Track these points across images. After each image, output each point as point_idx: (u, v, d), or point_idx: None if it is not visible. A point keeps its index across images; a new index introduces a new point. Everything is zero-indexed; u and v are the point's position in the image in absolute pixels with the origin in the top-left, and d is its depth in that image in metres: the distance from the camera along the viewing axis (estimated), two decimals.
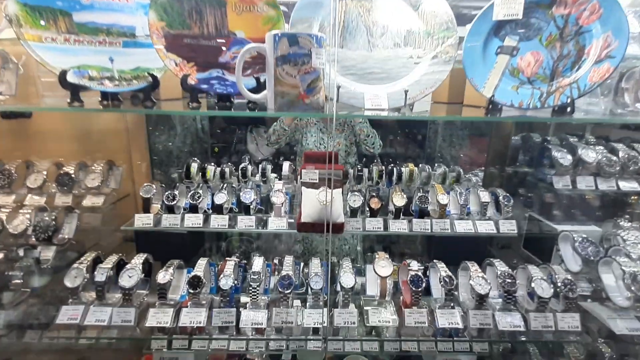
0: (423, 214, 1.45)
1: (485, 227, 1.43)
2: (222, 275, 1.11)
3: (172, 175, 2.29)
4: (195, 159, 1.82)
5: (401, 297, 1.23)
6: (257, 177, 1.85)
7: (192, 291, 1.09)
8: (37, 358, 1.35)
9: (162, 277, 1.09)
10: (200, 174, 1.76)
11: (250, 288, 1.12)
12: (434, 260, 1.25)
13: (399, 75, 1.17)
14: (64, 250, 1.44)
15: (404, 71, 1.17)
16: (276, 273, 1.87)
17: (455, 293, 1.17)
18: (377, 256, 1.18)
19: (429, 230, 1.43)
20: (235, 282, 1.11)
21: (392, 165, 1.80)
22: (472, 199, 1.55)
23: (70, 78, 0.98)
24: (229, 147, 3.48)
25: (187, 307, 1.13)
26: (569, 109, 1.06)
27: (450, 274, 1.14)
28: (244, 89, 1.00)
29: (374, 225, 1.44)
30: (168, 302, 1.14)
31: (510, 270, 1.15)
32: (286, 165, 1.82)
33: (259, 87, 1.11)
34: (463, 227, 1.43)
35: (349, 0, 1.18)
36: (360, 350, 1.26)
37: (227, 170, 1.79)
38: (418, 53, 1.18)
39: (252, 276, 1.12)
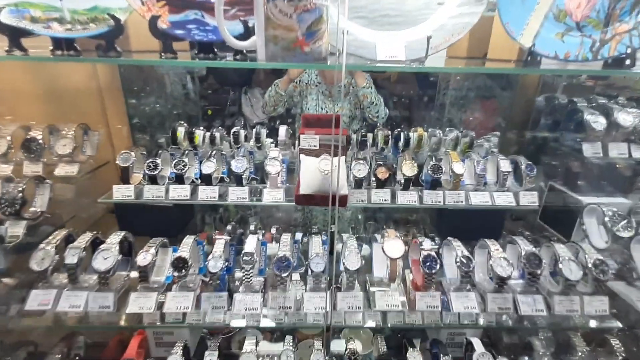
0: (435, 184, 1.30)
1: (503, 200, 1.29)
2: (210, 257, 0.98)
3: (158, 140, 2.10)
4: (182, 122, 1.63)
5: (409, 276, 1.11)
6: (251, 143, 1.67)
7: (176, 274, 0.96)
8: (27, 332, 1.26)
9: (142, 258, 0.96)
10: (188, 139, 1.58)
11: (243, 271, 0.99)
12: (449, 238, 1.12)
13: (419, 18, 0.96)
14: (36, 225, 1.30)
15: (426, 14, 0.96)
16: (274, 242, 1.76)
17: (471, 274, 1.05)
18: (386, 234, 1.04)
19: (442, 203, 1.29)
20: (227, 263, 0.98)
21: (399, 129, 1.62)
22: (489, 167, 1.39)
23: (6, 19, 0.77)
24: (222, 109, 3.25)
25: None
26: (627, 62, 0.87)
27: (467, 254, 1.01)
28: (227, 33, 0.79)
29: (381, 197, 1.29)
30: (151, 285, 1.01)
31: (535, 249, 1.02)
32: (283, 130, 1.64)
33: (248, 34, 0.90)
34: (479, 199, 1.29)
35: None
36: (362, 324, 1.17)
37: (217, 135, 1.61)
38: None
39: (244, 257, 0.99)
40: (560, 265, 1.00)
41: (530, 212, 1.64)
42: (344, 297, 1.01)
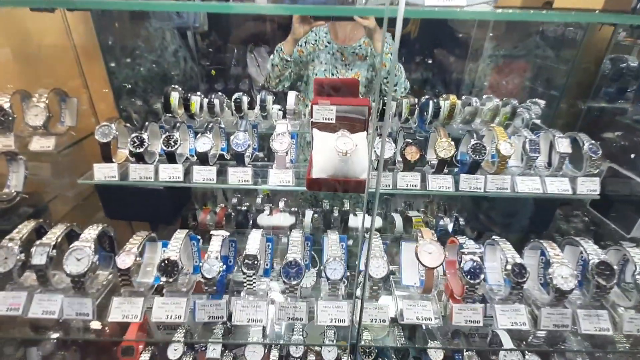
0: (475, 167, 1.08)
1: (557, 187, 1.07)
2: (206, 258, 0.81)
3: (154, 106, 1.88)
4: (176, 86, 1.40)
5: (443, 281, 0.93)
6: (256, 111, 1.44)
7: (164, 279, 0.80)
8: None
9: (122, 260, 0.79)
10: (184, 107, 1.36)
11: (245, 276, 0.82)
12: (495, 238, 0.92)
13: None
14: (12, 207, 1.14)
15: None
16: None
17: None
18: (420, 235, 0.85)
19: (482, 190, 1.08)
20: (223, 266, 0.81)
21: (427, 97, 1.36)
22: (541, 146, 1.15)
23: None
24: (225, 70, 2.96)
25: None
26: None
27: (520, 260, 0.82)
28: None
29: (409, 181, 1.09)
30: (137, 288, 0.86)
31: (606, 258, 0.82)
32: (292, 97, 1.40)
33: None
34: (528, 185, 1.07)
35: None
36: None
37: (216, 102, 1.38)
38: None
39: (246, 261, 0.82)
40: (637, 276, 0.80)
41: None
42: (365, 308, 0.84)
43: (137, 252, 0.81)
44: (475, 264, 0.80)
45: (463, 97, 1.41)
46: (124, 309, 0.82)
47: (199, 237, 0.94)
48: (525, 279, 0.79)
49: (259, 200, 1.75)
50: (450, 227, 1.53)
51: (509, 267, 0.81)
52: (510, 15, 0.90)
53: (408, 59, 2.66)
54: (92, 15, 1.39)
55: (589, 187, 1.07)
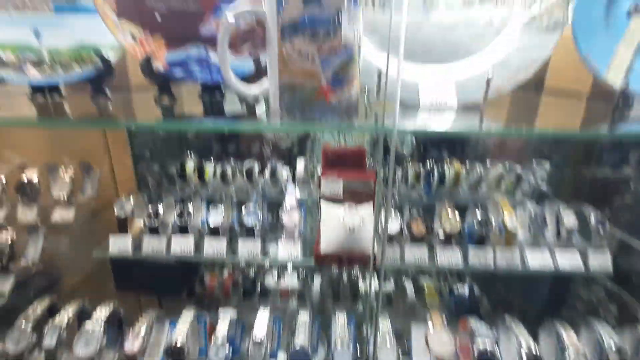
0: (483, 241, 1.08)
1: (569, 262, 1.06)
2: (212, 343, 0.80)
3: (169, 172, 1.97)
4: (192, 154, 1.50)
5: None
6: (266, 176, 1.51)
7: None
8: None
9: (130, 345, 0.79)
10: (198, 175, 1.44)
11: None
12: (507, 319, 0.89)
13: (473, 49, 0.77)
14: (27, 280, 1.16)
15: (481, 44, 0.76)
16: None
17: None
18: (430, 321, 0.83)
19: (492, 266, 1.07)
20: (231, 347, 0.80)
21: (431, 162, 1.41)
22: (547, 216, 1.16)
23: None
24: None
25: None
26: None
27: (536, 350, 0.78)
28: (232, 75, 0.63)
29: (417, 255, 1.09)
30: None
31: (622, 346, 0.78)
32: (301, 165, 1.47)
33: (259, 74, 0.73)
34: (538, 260, 1.06)
35: None
36: None
37: (228, 170, 1.46)
38: (501, 16, 0.76)
39: (253, 341, 0.80)
40: None
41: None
42: None
43: (145, 330, 0.81)
44: (489, 354, 0.77)
45: (467, 163, 1.45)
46: None
47: (206, 317, 0.94)
48: None
49: (267, 265, 1.75)
50: (465, 294, 1.49)
51: (524, 357, 0.78)
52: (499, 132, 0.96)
53: None
54: None
55: (601, 262, 1.05)
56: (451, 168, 1.37)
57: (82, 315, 0.91)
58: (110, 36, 0.73)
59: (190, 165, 1.46)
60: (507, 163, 1.43)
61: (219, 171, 1.47)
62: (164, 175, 1.89)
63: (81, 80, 0.75)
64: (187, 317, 0.86)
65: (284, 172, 1.51)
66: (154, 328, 0.90)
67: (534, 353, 0.77)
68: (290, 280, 1.67)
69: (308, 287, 1.63)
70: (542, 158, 1.76)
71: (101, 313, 0.85)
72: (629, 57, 0.73)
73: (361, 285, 1.58)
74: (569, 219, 1.05)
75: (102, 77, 0.74)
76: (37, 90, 0.75)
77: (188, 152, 1.53)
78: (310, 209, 1.72)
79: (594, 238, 1.06)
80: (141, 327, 0.82)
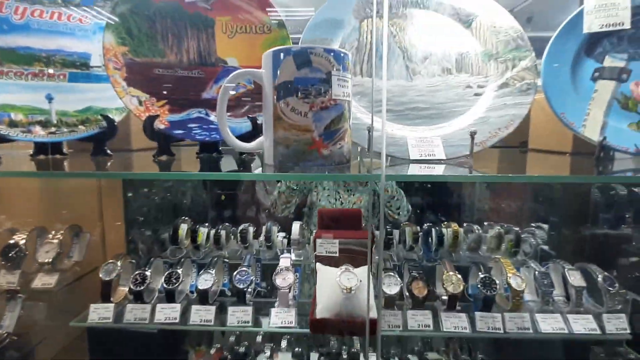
0: (490, 303, 1.02)
1: (583, 326, 0.98)
2: None
3: (161, 236, 1.93)
4: (186, 218, 1.48)
5: None
6: (261, 239, 1.47)
7: None
8: None
9: None
10: (191, 238, 1.41)
11: None
12: None
13: (455, 112, 0.82)
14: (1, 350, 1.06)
15: (462, 106, 0.82)
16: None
17: None
18: None
19: (502, 331, 0.99)
20: None
21: (429, 224, 1.40)
22: (552, 278, 1.11)
23: None
24: (235, 196, 3.16)
25: None
26: None
27: None
28: (229, 134, 0.66)
29: (420, 321, 1.01)
30: None
31: None
32: (296, 227, 1.44)
33: (256, 133, 0.77)
34: (551, 325, 0.99)
35: (377, 19, 0.87)
36: None
37: (223, 233, 1.43)
38: (478, 81, 0.83)
39: None
40: None
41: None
42: None
43: None
44: None
45: (465, 225, 1.44)
46: None
47: None
48: None
49: (259, 339, 1.61)
50: None
51: None
52: (487, 178, 1.00)
53: (408, 186, 2.85)
54: None
55: (617, 325, 0.98)
56: (449, 230, 1.36)
57: None
58: (117, 101, 0.78)
59: (184, 227, 1.43)
60: (505, 225, 1.42)
61: (212, 234, 1.44)
62: (156, 240, 1.85)
63: (84, 140, 0.78)
64: None
65: (279, 236, 1.48)
66: None
67: None
68: (285, 358, 1.51)
69: None
70: (538, 221, 1.77)
71: None
72: (601, 116, 0.79)
73: None
74: (576, 278, 1.01)
75: (105, 136, 0.78)
76: (40, 149, 0.78)
77: (182, 217, 1.51)
78: (306, 276, 1.65)
79: (605, 298, 1.00)
80: None
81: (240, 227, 1.46)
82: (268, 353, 1.51)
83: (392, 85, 0.85)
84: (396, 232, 1.45)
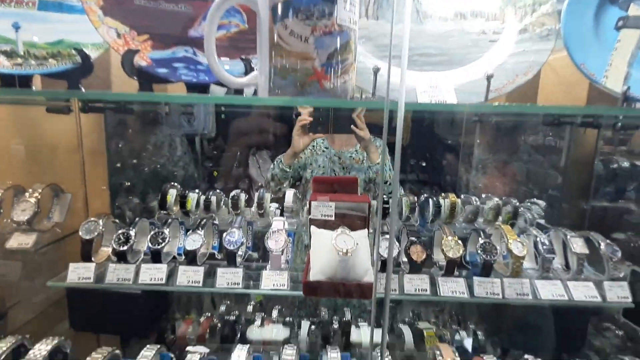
0: (487, 269, 0.99)
1: (584, 293, 0.96)
2: None
3: (150, 204, 1.86)
4: (175, 184, 1.41)
5: None
6: (253, 209, 1.41)
7: None
8: None
9: None
10: (180, 204, 1.34)
11: None
12: (527, 357, 0.77)
13: (468, 58, 0.75)
14: None
15: (476, 52, 0.76)
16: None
17: None
18: (439, 354, 0.71)
19: (500, 296, 0.96)
20: None
21: (426, 195, 1.36)
22: (554, 245, 1.08)
23: None
24: (228, 172, 3.09)
25: None
26: None
27: None
28: (218, 66, 0.58)
29: (417, 285, 0.98)
30: None
31: None
32: (290, 194, 1.38)
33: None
34: (550, 291, 0.96)
35: None
36: None
37: (213, 199, 1.36)
38: (494, 27, 0.76)
39: None
40: None
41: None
42: None
43: None
44: None
45: (462, 196, 1.40)
46: None
47: (172, 356, 0.78)
48: None
49: (249, 309, 1.57)
50: (468, 343, 1.34)
51: None
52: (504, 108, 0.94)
53: (403, 163, 2.80)
54: (105, 120, 1.48)
55: (619, 293, 0.96)
56: (446, 201, 1.32)
57: (21, 355, 0.75)
58: (94, 35, 0.70)
59: (173, 193, 1.36)
60: (503, 198, 1.39)
61: (202, 200, 1.37)
62: (143, 207, 1.78)
63: (56, 76, 0.70)
64: (148, 352, 0.71)
65: (272, 206, 1.42)
66: None
67: None
68: (276, 327, 1.49)
69: (295, 333, 1.45)
70: (540, 193, 1.74)
71: (41, 348, 0.69)
72: (624, 66, 0.73)
73: (354, 333, 1.42)
74: (578, 244, 0.98)
75: (79, 73, 0.69)
76: (6, 82, 0.69)
77: (171, 183, 1.43)
78: (299, 247, 1.61)
79: (607, 266, 0.98)
80: None
81: (232, 194, 1.39)
82: (259, 322, 1.48)
83: (399, 29, 0.77)
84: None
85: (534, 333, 1.19)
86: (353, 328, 1.40)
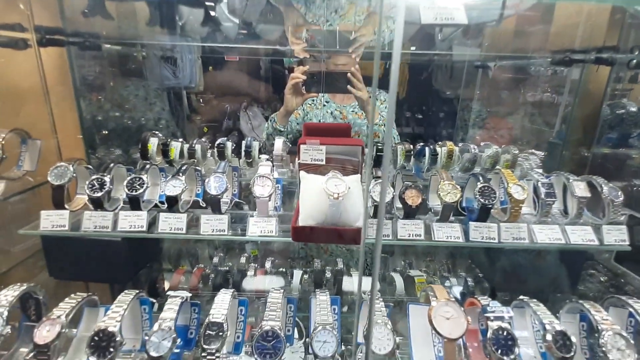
0: (485, 214, 0.95)
1: (581, 236, 0.93)
2: (155, 328, 0.61)
3: (133, 156, 1.77)
4: (156, 132, 1.31)
5: (465, 354, 0.73)
6: (242, 160, 1.34)
7: (94, 359, 0.59)
8: None
9: (42, 333, 0.59)
10: (162, 153, 1.26)
11: (204, 353, 0.62)
12: (523, 298, 0.75)
13: None
14: None
15: None
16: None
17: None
18: (432, 295, 0.68)
19: (496, 240, 0.93)
20: (179, 341, 0.62)
21: (422, 143, 1.29)
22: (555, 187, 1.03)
23: None
24: (217, 127, 2.96)
25: None
26: None
27: (562, 327, 0.64)
28: None
29: (411, 230, 0.94)
30: None
31: None
32: (279, 143, 1.30)
33: None
34: (547, 235, 0.93)
35: None
36: None
37: (198, 147, 1.28)
38: None
39: (207, 331, 0.62)
40: None
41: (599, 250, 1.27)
42: None
43: (65, 321, 0.62)
44: (505, 333, 0.62)
45: (460, 144, 1.34)
46: None
47: (153, 301, 0.75)
48: (572, 354, 0.61)
49: (243, 260, 1.56)
50: (458, 291, 1.35)
51: (548, 337, 0.63)
52: None
53: (398, 116, 2.70)
54: (73, 60, 1.34)
55: (617, 236, 0.93)
56: (443, 149, 1.25)
57: None
58: None
59: (154, 142, 1.27)
60: (502, 146, 1.33)
61: (186, 149, 1.28)
62: (124, 160, 1.69)
63: None
64: (125, 297, 0.67)
65: (262, 158, 1.34)
66: (85, 316, 0.70)
67: (559, 329, 0.62)
68: (269, 277, 1.48)
69: (288, 282, 1.44)
70: (541, 142, 1.68)
71: (7, 294, 0.64)
72: None
73: (346, 281, 1.41)
74: (580, 187, 0.93)
75: None
76: None
77: (152, 131, 1.33)
78: (287, 192, 1.55)
79: (607, 210, 0.94)
80: (62, 311, 0.63)
81: (218, 141, 1.31)
82: (252, 272, 1.47)
83: None
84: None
85: (522, 282, 1.19)
86: (345, 277, 1.40)
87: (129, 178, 0.93)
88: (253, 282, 1.43)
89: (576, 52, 0.90)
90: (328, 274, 1.40)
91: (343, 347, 0.68)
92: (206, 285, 1.42)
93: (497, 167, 1.06)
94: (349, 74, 1.34)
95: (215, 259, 1.54)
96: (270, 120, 1.56)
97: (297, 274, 1.41)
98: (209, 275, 1.44)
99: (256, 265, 1.51)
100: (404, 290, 1.37)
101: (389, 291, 1.42)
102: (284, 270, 1.54)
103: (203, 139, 1.33)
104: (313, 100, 1.60)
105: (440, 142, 1.28)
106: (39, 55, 1.05)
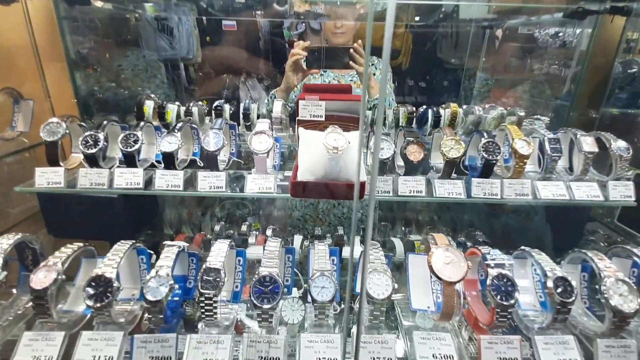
0: (489, 170, 0.92)
1: (586, 192, 0.91)
2: (153, 274, 0.61)
3: (130, 123, 1.74)
4: (151, 95, 1.29)
5: (464, 303, 0.73)
6: (241, 127, 1.31)
7: (91, 303, 0.59)
8: None
9: (39, 278, 0.59)
10: (158, 116, 1.23)
11: (202, 298, 0.62)
12: (524, 248, 0.74)
13: None
14: None
15: None
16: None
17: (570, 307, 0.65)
18: (432, 241, 0.66)
19: (499, 196, 0.91)
20: (176, 288, 0.61)
21: (425, 106, 1.26)
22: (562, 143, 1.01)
23: None
24: (216, 99, 2.91)
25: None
26: None
27: (563, 273, 0.63)
28: None
29: (412, 187, 0.92)
30: (58, 320, 0.64)
31: None
32: (278, 105, 1.27)
33: None
34: (551, 191, 0.91)
35: None
36: None
37: (195, 110, 1.25)
38: None
39: (204, 277, 0.62)
40: None
41: (604, 210, 1.26)
42: (365, 342, 0.63)
43: (61, 268, 0.61)
44: (506, 279, 0.61)
45: (464, 107, 1.30)
46: (36, 348, 0.60)
47: (151, 252, 0.74)
48: (573, 298, 0.60)
49: (244, 228, 1.56)
50: (496, 257, 1.35)
51: (549, 283, 0.62)
52: None
53: (401, 86, 2.63)
54: (66, 26, 1.28)
55: (623, 192, 0.91)
56: (447, 110, 1.22)
57: None
58: None
59: (150, 104, 1.24)
60: (508, 108, 1.29)
61: (182, 112, 1.26)
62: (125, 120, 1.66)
63: None
64: (121, 246, 0.66)
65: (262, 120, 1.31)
66: (83, 266, 0.70)
67: (560, 275, 0.61)
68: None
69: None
70: (549, 102, 1.63)
71: (2, 244, 0.63)
72: None
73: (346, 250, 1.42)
74: (587, 143, 0.91)
75: None
76: None
77: (147, 94, 1.31)
78: (285, 156, 1.53)
79: (615, 166, 0.92)
80: (58, 258, 0.62)
81: (215, 104, 1.28)
82: (253, 240, 1.48)
83: None
84: (389, 113, 1.30)
85: (526, 241, 1.18)
86: (346, 247, 1.40)
87: (122, 134, 0.90)
88: (254, 248, 1.44)
89: (590, 1, 0.85)
90: (329, 240, 1.40)
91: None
92: (207, 252, 1.42)
93: (503, 124, 1.03)
94: (351, 50, 1.29)
95: (217, 227, 1.54)
96: (271, 96, 1.53)
97: (298, 238, 1.41)
98: (209, 240, 1.44)
99: (257, 232, 1.51)
100: (404, 254, 1.37)
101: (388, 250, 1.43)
102: (284, 236, 1.54)
103: (200, 102, 1.30)
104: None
105: (444, 104, 1.25)
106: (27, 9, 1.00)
